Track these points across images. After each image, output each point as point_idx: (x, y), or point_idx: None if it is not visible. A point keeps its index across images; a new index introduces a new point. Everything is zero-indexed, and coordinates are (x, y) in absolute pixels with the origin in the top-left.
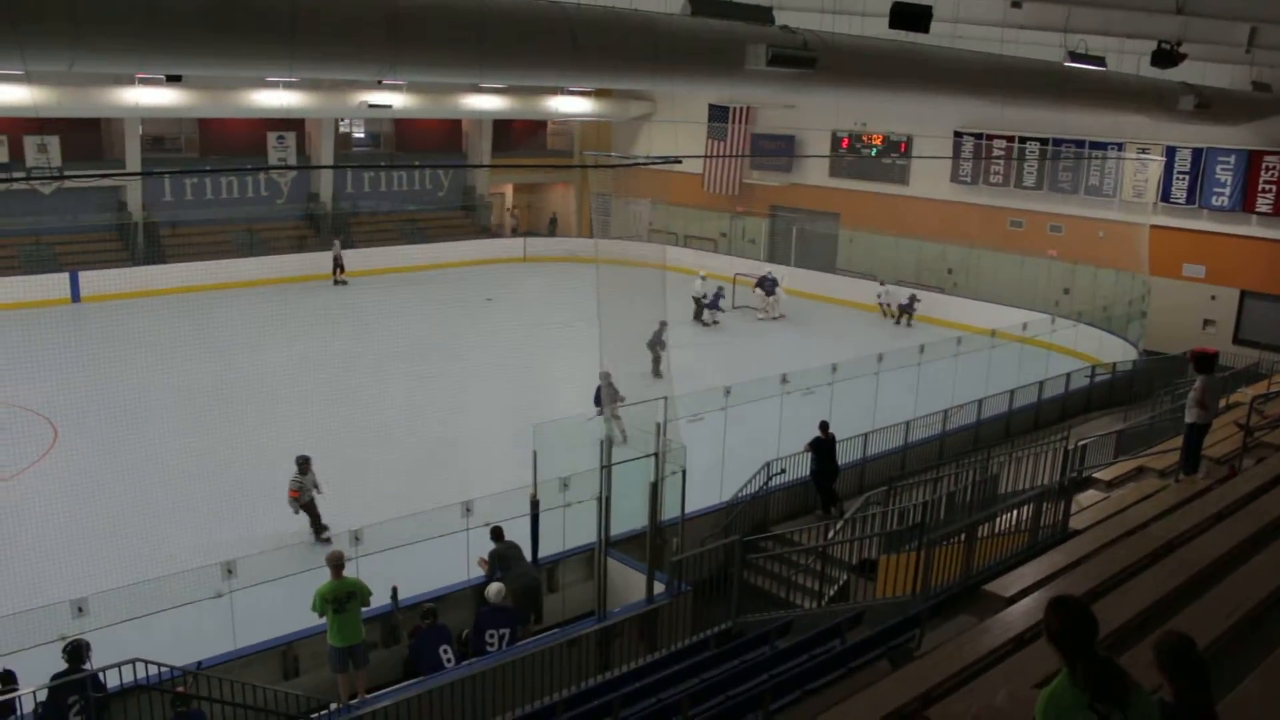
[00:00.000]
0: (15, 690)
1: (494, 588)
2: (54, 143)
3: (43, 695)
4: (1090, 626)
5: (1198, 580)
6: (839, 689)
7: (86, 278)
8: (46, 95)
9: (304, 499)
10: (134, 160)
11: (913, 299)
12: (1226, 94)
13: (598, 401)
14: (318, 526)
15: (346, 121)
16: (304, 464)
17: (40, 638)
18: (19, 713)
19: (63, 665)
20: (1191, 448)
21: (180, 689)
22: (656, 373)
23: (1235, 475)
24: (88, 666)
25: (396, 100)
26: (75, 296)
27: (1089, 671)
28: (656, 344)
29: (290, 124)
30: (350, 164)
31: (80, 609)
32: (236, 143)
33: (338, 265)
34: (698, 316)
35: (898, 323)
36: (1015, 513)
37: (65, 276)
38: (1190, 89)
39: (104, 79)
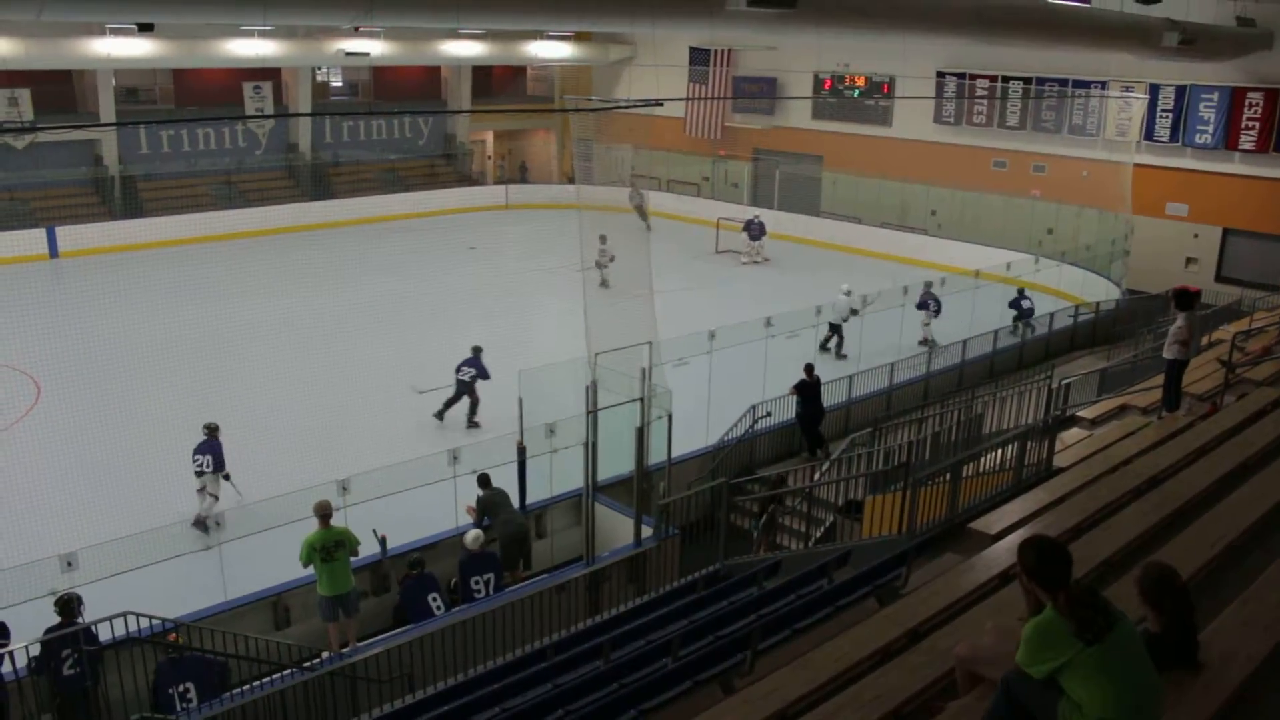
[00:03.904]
0: (7, 644)
1: (470, 535)
2: (25, 96)
3: (36, 649)
4: (1064, 559)
5: (1180, 514)
6: (827, 627)
7: (64, 233)
8: (15, 47)
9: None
10: (108, 112)
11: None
12: (1210, 29)
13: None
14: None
15: (324, 70)
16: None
17: (30, 592)
18: (14, 666)
19: (54, 620)
20: (1172, 385)
21: (172, 636)
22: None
23: (1216, 411)
24: (80, 620)
25: (374, 47)
26: (53, 252)
27: (1071, 602)
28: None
29: (266, 74)
30: (329, 111)
31: (70, 563)
32: (212, 93)
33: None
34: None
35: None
36: (1000, 452)
37: (42, 232)
38: (1174, 25)
39: (74, 29)
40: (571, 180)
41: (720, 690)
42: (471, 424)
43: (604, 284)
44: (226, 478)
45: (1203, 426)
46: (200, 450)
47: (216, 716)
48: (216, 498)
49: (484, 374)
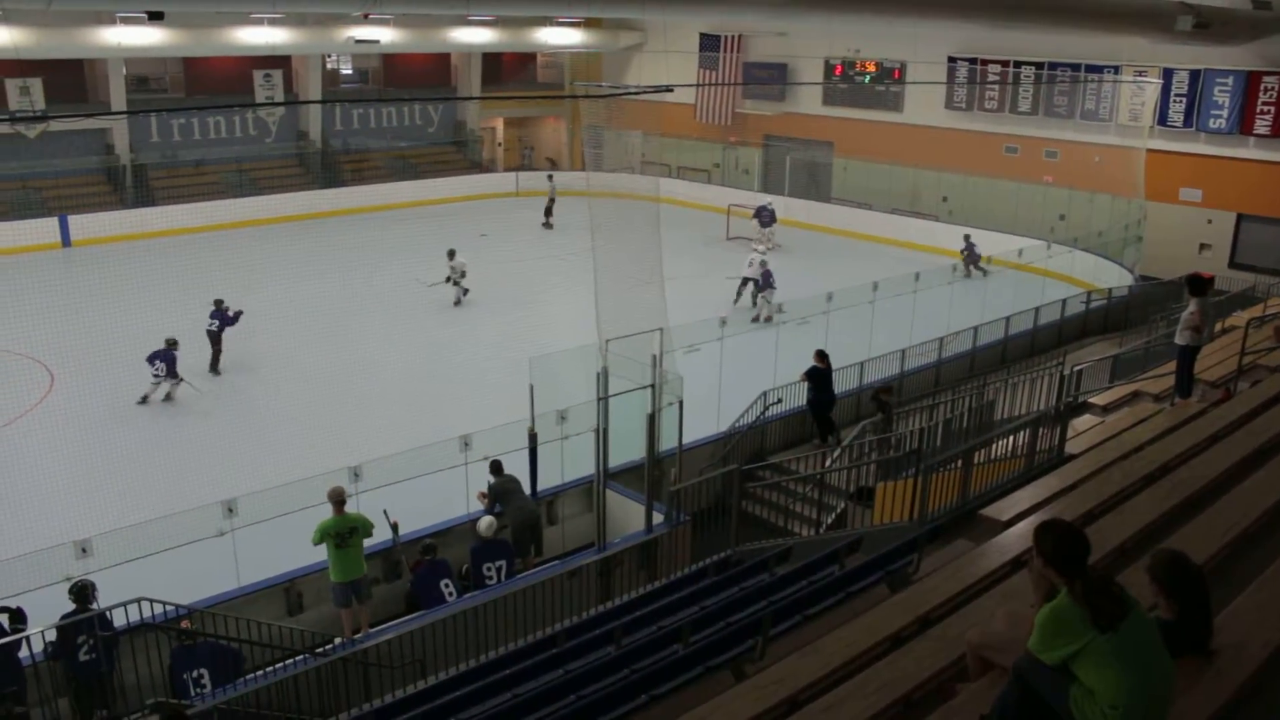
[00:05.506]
0: (24, 629)
1: (484, 522)
2: (36, 85)
3: (52, 635)
4: (1082, 545)
5: (1193, 501)
6: (838, 613)
7: (76, 221)
8: (27, 36)
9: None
10: (119, 101)
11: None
12: (1226, 13)
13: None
14: None
15: (334, 58)
16: None
17: (45, 579)
18: (30, 651)
19: (70, 606)
20: (1184, 371)
21: (185, 623)
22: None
23: (1230, 398)
24: (95, 606)
25: (384, 35)
26: (66, 240)
27: (1087, 589)
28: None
29: (277, 62)
30: (339, 99)
31: (84, 550)
32: (222, 82)
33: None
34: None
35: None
36: (1011, 438)
37: (55, 221)
38: (1189, 8)
39: (85, 18)
40: (554, 165)
41: (731, 676)
42: (213, 370)
43: (458, 302)
44: (181, 381)
45: (1215, 413)
46: (155, 357)
47: (230, 702)
48: (169, 391)
49: (225, 322)
